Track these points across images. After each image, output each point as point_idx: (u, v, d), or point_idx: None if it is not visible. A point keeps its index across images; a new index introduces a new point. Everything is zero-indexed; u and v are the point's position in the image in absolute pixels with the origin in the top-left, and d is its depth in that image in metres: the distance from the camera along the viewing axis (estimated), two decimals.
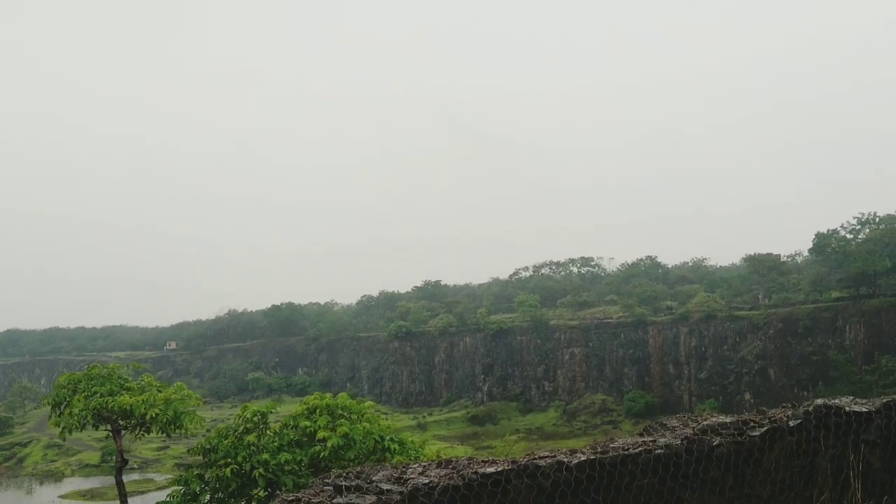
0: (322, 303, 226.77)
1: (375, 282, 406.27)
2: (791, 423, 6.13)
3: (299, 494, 5.37)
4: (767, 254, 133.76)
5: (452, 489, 5.45)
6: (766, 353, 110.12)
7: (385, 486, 5.66)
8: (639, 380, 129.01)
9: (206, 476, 11.12)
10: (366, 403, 11.99)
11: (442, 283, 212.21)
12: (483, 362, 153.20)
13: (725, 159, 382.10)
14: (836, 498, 5.96)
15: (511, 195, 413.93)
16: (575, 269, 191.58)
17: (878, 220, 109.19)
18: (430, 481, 5.51)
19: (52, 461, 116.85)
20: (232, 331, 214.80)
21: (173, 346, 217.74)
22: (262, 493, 10.79)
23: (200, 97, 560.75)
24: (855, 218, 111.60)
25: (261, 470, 10.42)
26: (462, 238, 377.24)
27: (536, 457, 6.01)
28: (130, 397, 12.61)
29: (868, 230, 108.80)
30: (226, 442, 11.25)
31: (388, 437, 10.64)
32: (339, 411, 11.51)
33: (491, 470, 5.57)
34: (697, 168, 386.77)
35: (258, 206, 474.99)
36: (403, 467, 6.44)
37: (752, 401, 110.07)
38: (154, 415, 12.42)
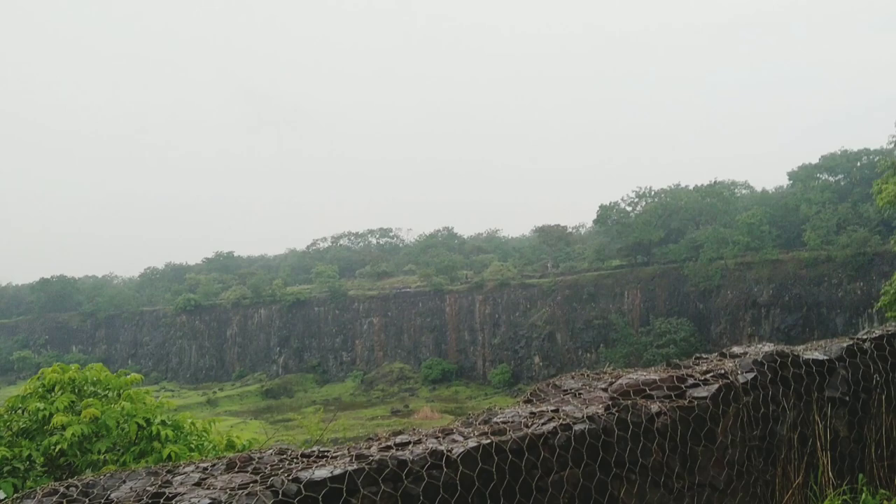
0: (100, 276, 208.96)
1: (161, 254, 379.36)
2: (741, 378, 4.34)
3: None
4: (555, 225, 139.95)
5: None
6: (554, 318, 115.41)
7: None
8: (436, 347, 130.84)
9: None
10: (129, 376, 8.92)
11: (235, 254, 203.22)
12: (279, 334, 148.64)
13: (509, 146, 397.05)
14: (803, 479, 4.27)
15: (310, 167, 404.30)
16: (374, 240, 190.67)
17: (653, 193, 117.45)
18: (215, 500, 3.07)
19: None
20: None
21: None
22: None
23: None
24: (633, 191, 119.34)
25: None
26: (256, 206, 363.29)
27: (394, 443, 3.72)
28: None
29: (645, 203, 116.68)
30: None
31: (157, 420, 7.77)
32: (90, 388, 8.43)
33: (323, 474, 3.22)
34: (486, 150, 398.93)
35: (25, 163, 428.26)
36: (171, 470, 3.83)
37: (540, 364, 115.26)
38: None
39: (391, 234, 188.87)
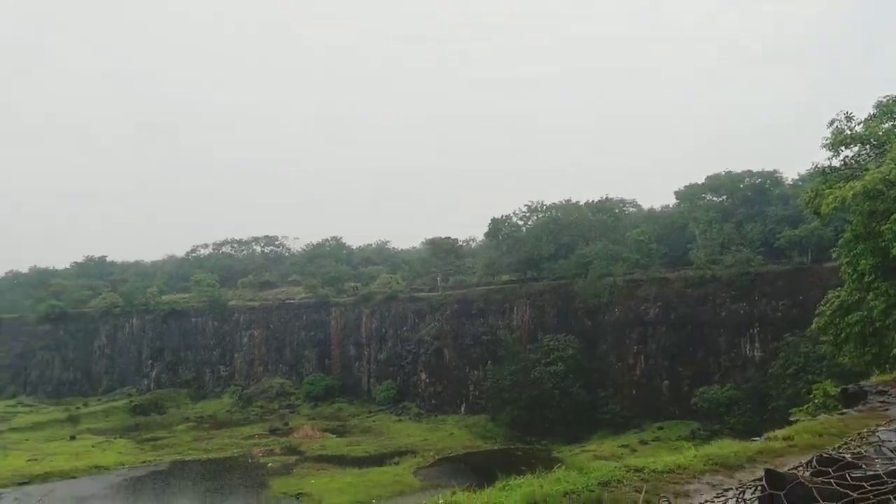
0: None
1: (23, 258, 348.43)
2: None
3: None
4: (446, 238, 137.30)
5: None
6: (442, 333, 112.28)
7: None
8: (319, 362, 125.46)
9: None
10: None
11: (108, 259, 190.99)
12: (152, 346, 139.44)
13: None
14: None
15: (191, 172, 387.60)
16: (258, 249, 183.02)
17: (544, 207, 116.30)
18: None
19: None
20: None
21: None
22: None
23: None
24: (525, 206, 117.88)
25: None
26: (135, 208, 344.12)
27: None
28: None
29: (536, 217, 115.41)
30: None
31: None
32: None
33: None
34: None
35: None
36: None
37: (427, 380, 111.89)
38: None
39: (277, 243, 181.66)
